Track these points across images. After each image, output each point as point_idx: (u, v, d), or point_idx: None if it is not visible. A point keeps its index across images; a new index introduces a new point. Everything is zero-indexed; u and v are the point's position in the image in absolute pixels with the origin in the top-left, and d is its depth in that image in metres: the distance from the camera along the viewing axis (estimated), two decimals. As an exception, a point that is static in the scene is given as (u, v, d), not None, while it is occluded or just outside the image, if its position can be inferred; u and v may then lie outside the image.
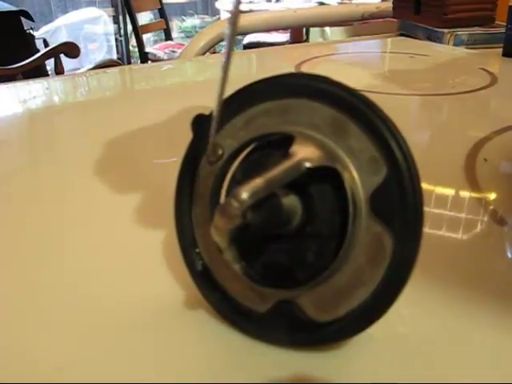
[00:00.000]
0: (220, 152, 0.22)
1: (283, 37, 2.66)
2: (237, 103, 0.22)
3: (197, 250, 0.24)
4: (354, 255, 0.20)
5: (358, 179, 0.20)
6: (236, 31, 0.18)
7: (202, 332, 0.24)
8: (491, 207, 0.35)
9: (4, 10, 2.19)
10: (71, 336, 0.24)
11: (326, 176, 0.20)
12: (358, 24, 1.39)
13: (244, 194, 0.18)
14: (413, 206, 0.19)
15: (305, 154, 0.20)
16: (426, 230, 0.19)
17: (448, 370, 0.22)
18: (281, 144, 0.21)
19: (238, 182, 0.22)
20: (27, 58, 1.77)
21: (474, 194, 0.36)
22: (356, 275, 0.20)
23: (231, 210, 0.18)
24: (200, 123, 0.23)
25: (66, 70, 1.98)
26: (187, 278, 0.24)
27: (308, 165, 0.19)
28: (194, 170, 0.23)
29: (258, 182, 0.18)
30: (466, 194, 0.37)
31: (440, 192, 0.37)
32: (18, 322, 0.25)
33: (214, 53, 1.33)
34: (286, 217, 0.20)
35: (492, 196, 0.37)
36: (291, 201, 0.20)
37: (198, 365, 0.22)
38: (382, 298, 0.20)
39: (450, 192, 0.37)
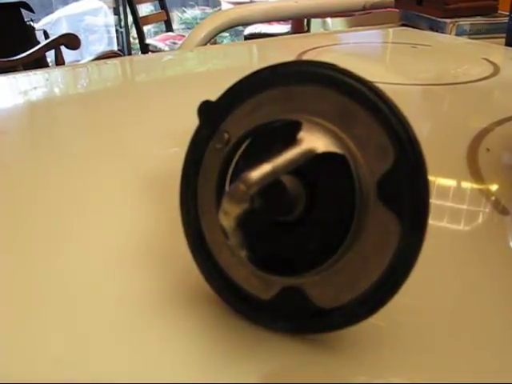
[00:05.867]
0: (226, 138, 0.22)
1: (284, 28, 2.66)
2: (244, 90, 0.22)
3: (202, 237, 0.24)
4: (359, 242, 0.20)
5: (365, 166, 0.20)
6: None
7: (205, 319, 0.24)
8: (494, 197, 0.35)
9: (4, 1, 2.18)
10: (70, 327, 0.24)
11: (333, 163, 0.20)
12: (360, 14, 1.38)
13: (252, 179, 0.18)
14: (420, 194, 0.19)
15: (312, 140, 0.20)
16: (429, 219, 0.19)
17: (449, 361, 0.22)
18: (285, 131, 0.21)
19: (242, 168, 0.22)
20: (27, 50, 1.77)
21: (476, 184, 0.36)
22: (361, 262, 0.20)
23: (240, 194, 0.18)
24: (206, 110, 0.23)
25: (66, 61, 1.97)
26: (191, 265, 0.24)
27: (316, 151, 0.19)
28: (199, 157, 0.23)
29: (265, 167, 0.18)
30: (468, 183, 0.37)
31: (443, 182, 0.37)
32: (16, 313, 0.25)
33: (215, 43, 1.33)
34: (291, 204, 0.20)
35: (495, 185, 0.37)
36: (296, 187, 0.20)
37: (201, 352, 0.22)
38: (386, 286, 0.20)
39: (452, 182, 0.37)
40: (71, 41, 1.90)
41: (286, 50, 0.87)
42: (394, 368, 0.21)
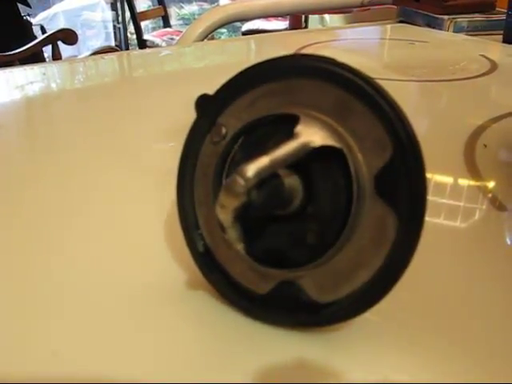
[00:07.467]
0: (224, 132, 0.22)
1: (282, 24, 2.65)
2: (241, 83, 0.22)
3: (198, 231, 0.24)
4: (356, 236, 0.20)
5: (363, 160, 0.20)
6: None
7: (202, 313, 0.24)
8: (491, 193, 0.35)
9: (0, -5, 2.17)
10: (68, 320, 0.24)
11: (330, 157, 0.20)
12: (358, 11, 1.38)
13: (250, 172, 0.18)
14: (418, 189, 0.19)
15: (310, 134, 0.20)
16: (426, 215, 0.19)
17: (447, 356, 0.22)
18: (283, 124, 0.21)
19: (239, 161, 0.22)
20: (24, 45, 1.76)
21: (473, 180, 0.36)
22: (358, 257, 0.20)
23: (237, 188, 0.18)
24: (204, 103, 0.23)
25: (63, 56, 1.97)
26: (188, 259, 0.24)
27: (314, 145, 0.19)
28: (196, 150, 0.23)
29: (263, 160, 0.18)
30: (465, 179, 0.37)
31: (440, 178, 0.37)
32: (14, 307, 0.25)
33: (213, 39, 1.33)
34: (288, 197, 0.20)
35: (491, 182, 0.37)
36: (292, 181, 0.20)
37: (197, 345, 0.22)
38: (383, 280, 0.20)
39: (449, 178, 0.37)
40: (68, 36, 1.89)
41: (283, 46, 0.87)
42: (390, 364, 0.21)
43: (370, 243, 0.20)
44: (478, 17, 0.88)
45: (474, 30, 0.86)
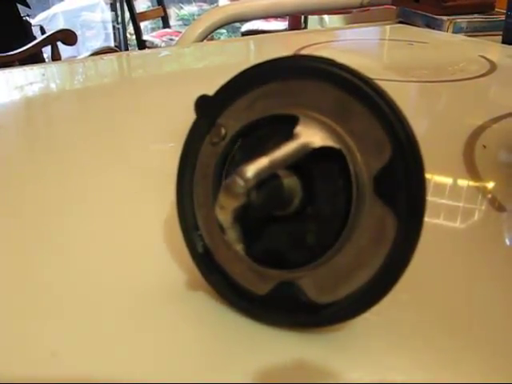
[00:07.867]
0: (223, 132, 0.22)
1: (282, 25, 2.65)
2: (241, 84, 0.22)
3: (198, 232, 0.24)
4: (356, 237, 0.20)
5: (362, 161, 0.20)
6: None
7: (202, 313, 0.24)
8: (490, 193, 0.35)
9: (-1, -4, 2.17)
10: (67, 320, 0.24)
11: (329, 157, 0.20)
12: (357, 11, 1.38)
13: (249, 173, 0.18)
14: (417, 189, 0.19)
15: (309, 134, 0.20)
16: (426, 216, 0.19)
17: (446, 356, 0.22)
18: (282, 125, 0.21)
19: (239, 162, 0.22)
20: (24, 46, 1.76)
21: (472, 181, 0.37)
22: (357, 257, 0.20)
23: (236, 188, 0.18)
24: (203, 104, 0.23)
25: (63, 57, 1.97)
26: (188, 260, 0.24)
27: (313, 146, 0.19)
28: (196, 151, 0.23)
29: (262, 161, 0.18)
30: (464, 180, 0.37)
31: (439, 178, 0.37)
32: (13, 307, 0.25)
33: (212, 39, 1.33)
34: (287, 198, 0.20)
35: (491, 182, 0.37)
36: (292, 182, 0.20)
37: (197, 345, 0.22)
38: (383, 281, 0.20)
39: (448, 178, 0.37)
40: (68, 37, 1.89)
41: (283, 47, 0.87)
42: (390, 365, 0.21)
43: (370, 243, 0.20)
44: (477, 17, 0.88)
45: (473, 30, 0.86)
